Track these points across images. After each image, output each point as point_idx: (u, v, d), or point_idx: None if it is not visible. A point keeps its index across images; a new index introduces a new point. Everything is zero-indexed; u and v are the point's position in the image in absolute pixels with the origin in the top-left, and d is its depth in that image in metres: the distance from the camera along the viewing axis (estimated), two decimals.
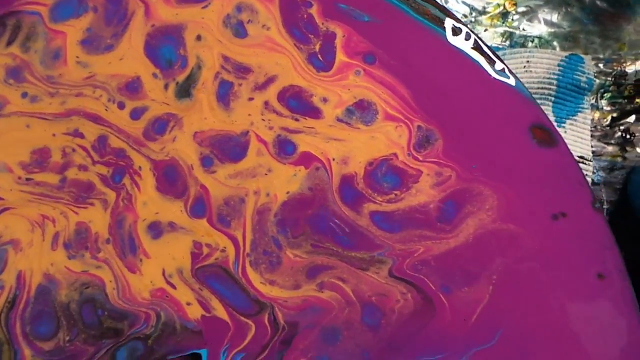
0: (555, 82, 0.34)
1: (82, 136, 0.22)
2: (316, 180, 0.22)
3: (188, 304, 0.21)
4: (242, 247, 0.22)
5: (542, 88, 0.34)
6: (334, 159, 0.22)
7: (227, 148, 0.22)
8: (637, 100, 0.36)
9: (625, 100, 0.36)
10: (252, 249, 0.22)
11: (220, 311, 0.21)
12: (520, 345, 0.22)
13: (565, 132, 0.36)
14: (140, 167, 0.22)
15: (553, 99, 0.34)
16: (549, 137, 0.22)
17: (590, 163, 0.36)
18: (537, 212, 0.22)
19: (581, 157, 0.35)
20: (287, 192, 0.22)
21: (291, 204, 0.22)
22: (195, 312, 0.21)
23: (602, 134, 0.37)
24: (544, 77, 0.34)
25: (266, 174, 0.22)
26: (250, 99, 0.22)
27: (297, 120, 0.22)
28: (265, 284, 0.22)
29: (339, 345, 0.21)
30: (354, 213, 0.22)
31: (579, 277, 0.22)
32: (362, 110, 0.22)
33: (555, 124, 0.34)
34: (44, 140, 0.22)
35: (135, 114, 0.22)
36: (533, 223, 0.22)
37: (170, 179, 0.22)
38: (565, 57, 0.34)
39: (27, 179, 0.22)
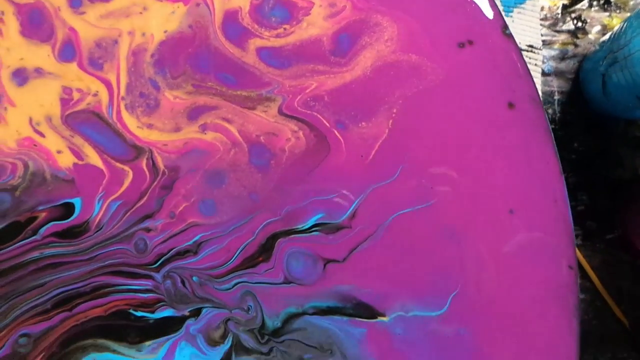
0: None
1: None
2: (197, 17, 0.20)
3: (58, 152, 0.20)
4: (116, 90, 0.20)
5: None
6: None
7: None
8: None
9: None
10: (128, 92, 0.20)
11: (94, 158, 0.20)
12: (423, 180, 0.20)
13: (513, 21, 0.34)
14: (2, 12, 0.20)
15: None
16: None
17: (540, 52, 0.34)
18: (441, 41, 0.21)
19: (530, 45, 0.33)
20: (165, 31, 0.20)
21: (169, 44, 0.20)
22: (66, 160, 0.20)
23: (553, 22, 0.35)
24: None
25: (141, 13, 0.20)
26: None
27: None
28: (142, 128, 0.20)
29: (225, 188, 0.20)
30: (239, 50, 0.20)
31: (488, 107, 0.20)
32: None
33: (502, 12, 0.32)
34: None
35: None
36: (436, 52, 0.20)
37: (36, 22, 0.20)
38: None
39: None
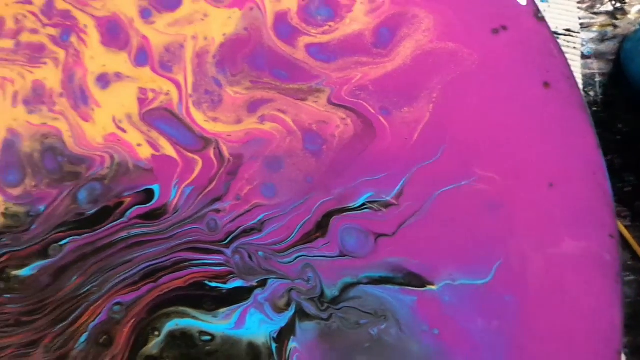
0: None
1: (30, 2, 0.23)
2: (251, 20, 0.23)
3: (138, 145, 0.22)
4: (184, 89, 0.23)
5: None
6: None
7: None
8: None
9: None
10: (194, 90, 0.23)
11: (168, 149, 0.22)
12: (464, 158, 0.21)
13: (549, 6, 0.35)
14: (85, 25, 0.23)
15: None
16: None
17: (578, 35, 0.34)
18: (476, 28, 0.22)
19: (568, 29, 0.34)
20: (224, 35, 0.23)
21: (228, 45, 0.23)
22: (145, 152, 0.22)
23: (590, 5, 0.35)
24: None
25: (202, 19, 0.23)
26: None
27: None
28: (209, 121, 0.22)
29: (283, 172, 0.22)
30: (290, 47, 0.23)
31: (524, 87, 0.22)
32: None
33: None
34: None
35: None
36: (472, 39, 0.22)
37: (114, 32, 0.23)
38: None
39: None
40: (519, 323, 0.20)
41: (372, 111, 0.22)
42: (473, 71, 0.22)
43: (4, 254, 0.22)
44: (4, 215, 0.22)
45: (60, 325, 0.22)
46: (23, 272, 0.22)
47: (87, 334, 0.21)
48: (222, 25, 0.23)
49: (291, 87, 0.22)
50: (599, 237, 0.21)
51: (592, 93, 0.33)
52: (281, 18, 0.23)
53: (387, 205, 0.21)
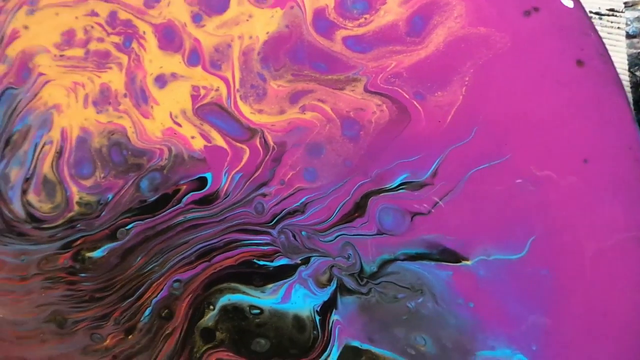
0: None
1: (97, 15, 0.26)
2: (292, 18, 0.25)
3: (192, 137, 0.25)
4: (232, 85, 0.25)
5: None
6: None
7: (212, 3, 0.25)
8: None
9: None
10: (241, 85, 0.25)
11: (219, 140, 0.25)
12: (497, 138, 0.22)
13: None
14: (144, 32, 0.26)
15: None
16: None
17: (622, 14, 0.34)
18: (507, 10, 0.23)
19: (611, 9, 0.34)
20: (267, 33, 0.25)
21: (271, 42, 0.25)
22: (198, 143, 0.25)
23: None
24: None
25: (247, 20, 0.25)
26: None
27: None
28: (254, 113, 0.24)
29: (323, 157, 0.24)
30: (328, 41, 0.24)
31: (556, 66, 0.22)
32: None
33: None
34: (69, 23, 0.27)
35: None
36: (503, 22, 0.23)
37: (169, 37, 0.26)
38: None
39: (61, 56, 0.27)
40: (555, 297, 0.21)
41: (407, 96, 0.23)
42: (505, 53, 0.22)
43: (79, 238, 0.25)
44: (78, 204, 0.25)
45: (128, 300, 0.24)
46: (95, 253, 0.25)
47: (150, 308, 0.24)
48: (265, 24, 0.25)
49: (330, 78, 0.24)
50: (636, 211, 0.21)
51: (638, 73, 0.33)
52: (319, 14, 0.24)
53: (422, 185, 0.22)
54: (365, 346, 0.22)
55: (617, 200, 0.21)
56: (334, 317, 0.22)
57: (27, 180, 0.26)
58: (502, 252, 0.21)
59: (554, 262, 0.21)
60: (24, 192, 0.26)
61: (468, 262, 0.22)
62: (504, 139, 0.22)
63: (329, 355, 0.22)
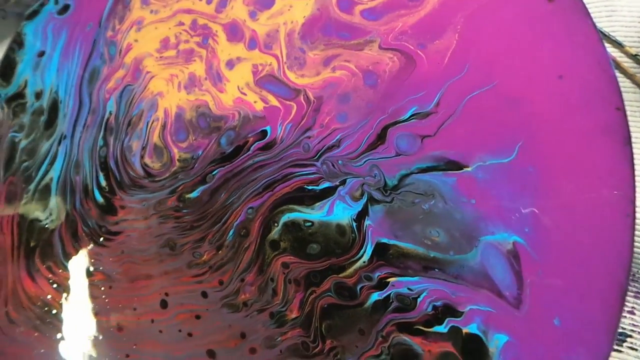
0: None
1: (183, 24, 0.36)
2: (321, 2, 0.32)
3: (254, 102, 0.33)
4: (281, 59, 0.33)
5: None
6: None
7: (263, 1, 0.34)
8: None
9: None
10: (287, 58, 0.33)
11: (274, 102, 0.33)
12: (486, 69, 0.28)
13: None
14: (216, 31, 0.35)
15: None
16: None
17: None
18: None
19: None
20: (304, 17, 0.33)
21: (307, 24, 0.32)
22: (259, 105, 0.33)
23: None
24: None
25: (289, 9, 0.33)
26: None
27: None
28: (298, 78, 0.32)
29: (351, 103, 0.31)
30: (349, 15, 0.31)
31: (531, 5, 0.27)
32: None
33: None
34: (165, 33, 0.37)
35: (209, 0, 0.35)
36: None
37: (234, 31, 0.34)
38: None
39: (161, 57, 0.37)
40: (541, 187, 0.26)
41: (412, 48, 0.29)
42: (487, 3, 0.28)
43: (180, 185, 0.34)
44: (179, 160, 0.34)
45: (216, 225, 0.33)
46: (193, 194, 0.34)
47: (233, 230, 0.32)
48: (302, 10, 0.33)
49: (352, 43, 0.31)
50: (607, 111, 0.25)
51: None
52: None
53: (428, 114, 0.28)
54: (392, 242, 0.28)
55: (592, 103, 0.26)
56: (367, 222, 0.29)
57: (143, 148, 0.36)
58: (495, 157, 0.27)
59: (539, 160, 0.26)
60: (142, 157, 0.36)
61: (469, 169, 0.27)
62: (491, 70, 0.28)
63: (365, 251, 0.29)
